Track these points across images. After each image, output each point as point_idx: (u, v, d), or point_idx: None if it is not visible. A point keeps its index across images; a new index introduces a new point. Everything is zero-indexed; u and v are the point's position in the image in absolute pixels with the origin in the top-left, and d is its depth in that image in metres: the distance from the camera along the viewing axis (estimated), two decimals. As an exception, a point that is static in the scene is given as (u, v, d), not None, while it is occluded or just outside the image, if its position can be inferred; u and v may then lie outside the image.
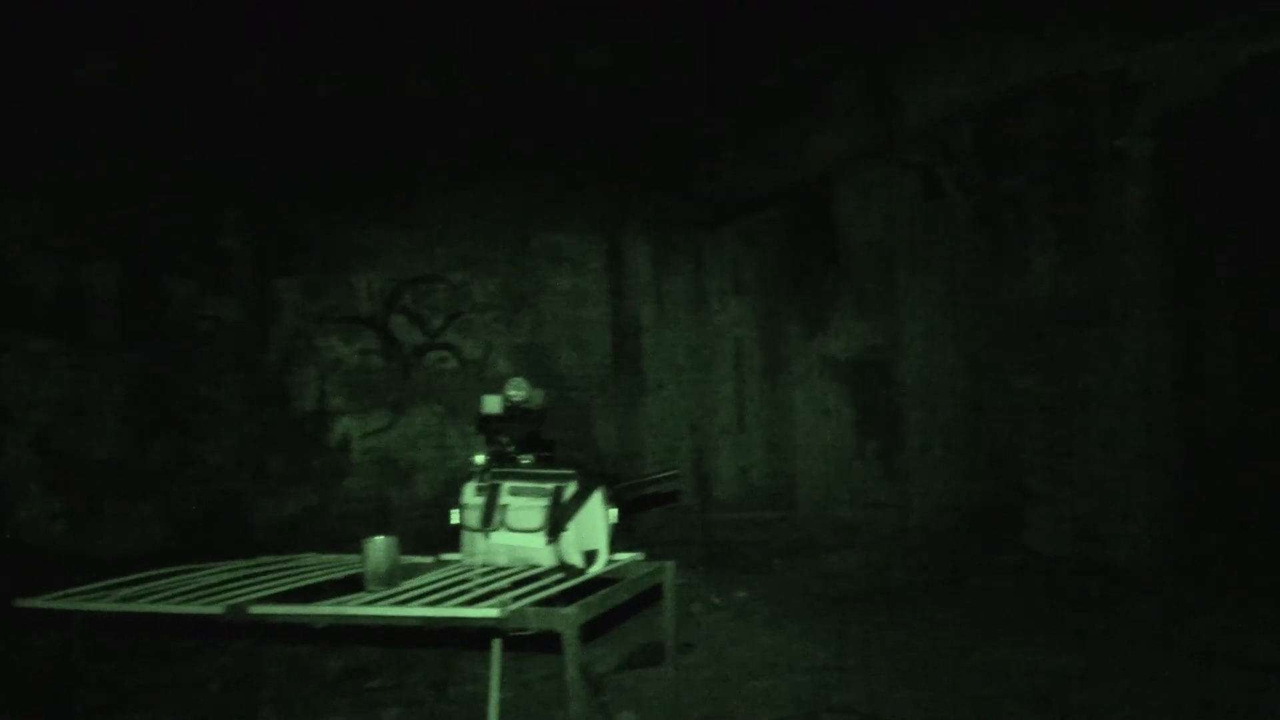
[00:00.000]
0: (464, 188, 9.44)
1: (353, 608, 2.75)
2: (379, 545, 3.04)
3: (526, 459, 3.57)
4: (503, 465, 3.52)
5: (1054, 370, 6.34)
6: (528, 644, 3.01)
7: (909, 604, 6.04)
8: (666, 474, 4.06)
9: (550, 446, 3.73)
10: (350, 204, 9.05)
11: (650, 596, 3.48)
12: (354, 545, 3.85)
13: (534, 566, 3.25)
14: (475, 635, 3.78)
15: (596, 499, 3.25)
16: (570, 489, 3.26)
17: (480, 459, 3.57)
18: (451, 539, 3.64)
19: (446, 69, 9.06)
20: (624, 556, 3.42)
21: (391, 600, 2.86)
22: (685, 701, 4.45)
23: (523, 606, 2.68)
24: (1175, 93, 5.81)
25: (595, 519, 3.24)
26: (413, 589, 3.01)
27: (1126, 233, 6.03)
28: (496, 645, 3.65)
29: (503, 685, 4.36)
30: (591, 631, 5.31)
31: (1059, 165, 6.27)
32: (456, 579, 3.18)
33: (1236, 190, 6.46)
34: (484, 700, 3.72)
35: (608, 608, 2.91)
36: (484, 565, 3.28)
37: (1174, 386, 6.16)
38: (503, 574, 3.21)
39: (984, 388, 7.00)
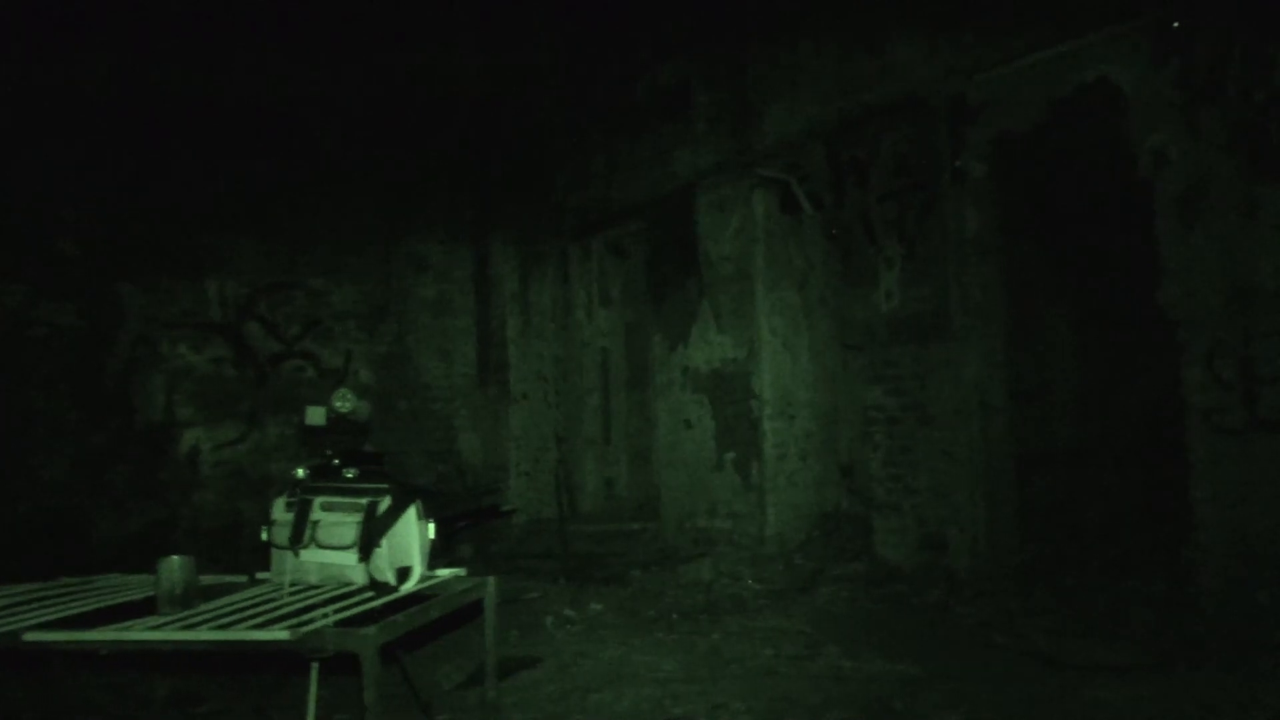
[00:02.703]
0: (325, 194, 9.20)
1: (135, 633, 2.60)
2: (172, 566, 2.89)
3: (351, 472, 3.45)
4: (325, 479, 3.40)
5: (899, 383, 6.52)
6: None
7: (759, 613, 6.10)
8: (507, 509, 3.98)
9: (377, 460, 3.61)
10: (203, 207, 8.71)
11: (507, 610, 3.41)
12: (203, 562, 3.67)
13: (346, 585, 3.14)
14: (302, 658, 3.65)
15: (411, 514, 3.17)
16: (385, 504, 3.17)
17: (302, 472, 3.45)
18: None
19: (306, 75, 8.82)
20: (444, 573, 3.35)
21: (181, 623, 2.72)
22: (525, 716, 4.39)
23: (318, 628, 2.58)
24: (1009, 118, 6.06)
25: (410, 535, 3.15)
26: (209, 611, 2.87)
27: (965, 250, 6.25)
28: (314, 668, 3.52)
29: (335, 706, 4.23)
30: (438, 647, 5.22)
31: (904, 184, 6.46)
32: (261, 599, 3.05)
33: (1068, 211, 6.78)
34: (304, 724, 3.59)
35: (413, 627, 2.83)
36: (294, 584, 3.15)
37: (1010, 399, 6.41)
38: (312, 593, 3.09)
39: (836, 400, 7.16)
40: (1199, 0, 4.97)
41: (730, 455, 7.88)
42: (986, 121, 6.12)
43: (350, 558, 3.12)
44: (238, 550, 7.96)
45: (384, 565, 3.10)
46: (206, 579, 3.36)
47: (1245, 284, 4.88)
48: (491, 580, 3.34)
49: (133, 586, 3.39)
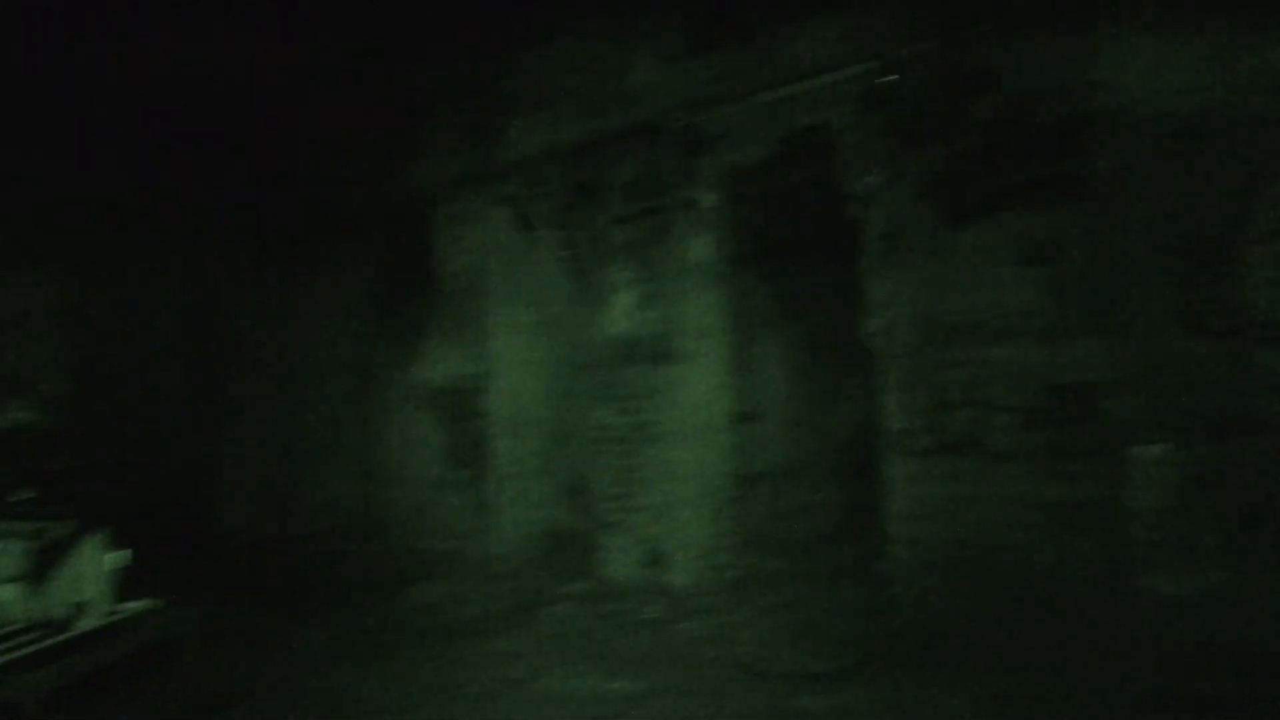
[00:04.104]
0: (24, 176, 8.21)
1: None
2: None
3: (23, 495, 3.07)
4: (-11, 502, 3.00)
5: (628, 403, 6.67)
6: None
7: (485, 636, 6.01)
8: (220, 530, 3.67)
9: (59, 479, 3.24)
10: None
11: (217, 640, 3.11)
12: None
13: (10, 623, 2.78)
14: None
15: (94, 541, 2.85)
16: (61, 530, 2.83)
17: (-39, 495, 3.02)
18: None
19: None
20: (134, 605, 3.04)
21: None
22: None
23: (-32, 675, 2.26)
24: (740, 152, 6.38)
25: (91, 564, 2.83)
26: None
27: (694, 276, 6.50)
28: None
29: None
30: (135, 685, 4.75)
31: (638, 209, 6.65)
32: (-100, 642, 2.63)
33: (789, 243, 7.23)
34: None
35: (90, 668, 2.54)
36: (-56, 624, 2.75)
37: (732, 421, 6.72)
38: (-33, 633, 2.71)
39: (566, 419, 7.23)
40: (904, 57, 5.45)
41: (460, 473, 7.77)
42: (719, 154, 6.41)
43: (16, 592, 2.76)
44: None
45: (58, 599, 2.77)
46: None
47: (936, 319, 5.38)
48: (190, 611, 3.07)
49: None
